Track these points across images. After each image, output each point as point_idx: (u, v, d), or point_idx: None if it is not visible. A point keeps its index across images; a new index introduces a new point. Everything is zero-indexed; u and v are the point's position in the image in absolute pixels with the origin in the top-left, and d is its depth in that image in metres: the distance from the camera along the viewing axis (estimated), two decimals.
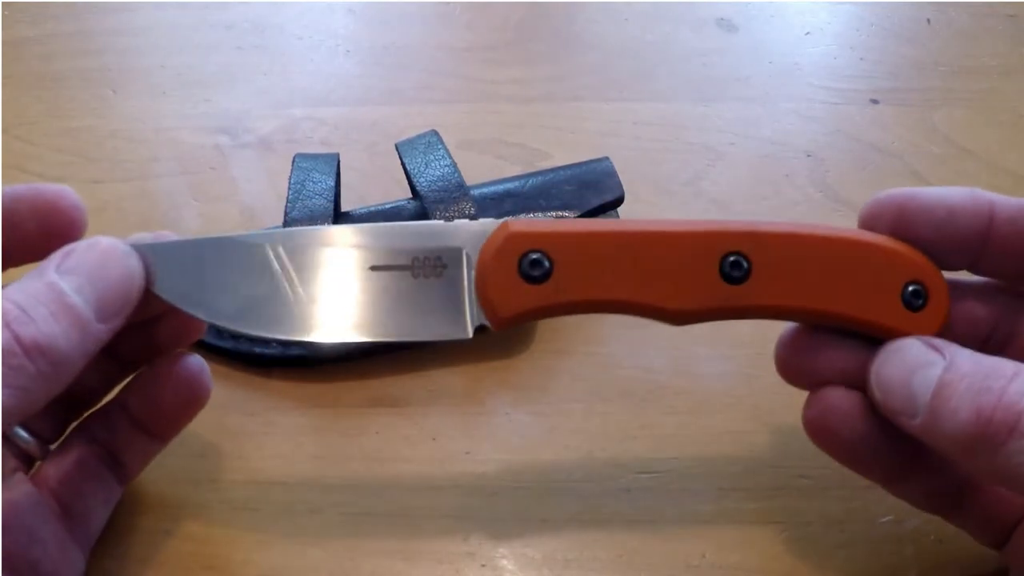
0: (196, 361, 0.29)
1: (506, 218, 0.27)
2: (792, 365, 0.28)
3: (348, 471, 0.33)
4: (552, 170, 0.39)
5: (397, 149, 0.39)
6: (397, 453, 0.34)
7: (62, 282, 0.23)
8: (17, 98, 0.47)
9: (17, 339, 0.21)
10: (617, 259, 0.26)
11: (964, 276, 0.28)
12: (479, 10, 0.54)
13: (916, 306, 0.26)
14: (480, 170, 0.42)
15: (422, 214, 0.37)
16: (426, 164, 0.38)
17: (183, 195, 0.43)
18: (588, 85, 0.49)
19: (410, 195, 0.40)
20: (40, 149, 0.45)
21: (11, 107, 0.47)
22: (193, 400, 0.29)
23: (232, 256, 0.26)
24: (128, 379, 0.30)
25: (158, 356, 0.29)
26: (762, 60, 0.51)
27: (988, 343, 0.28)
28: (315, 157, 0.39)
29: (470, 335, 0.27)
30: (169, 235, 0.28)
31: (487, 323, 0.27)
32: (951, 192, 0.26)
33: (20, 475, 0.28)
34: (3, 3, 0.53)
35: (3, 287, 0.23)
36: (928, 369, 0.24)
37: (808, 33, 0.52)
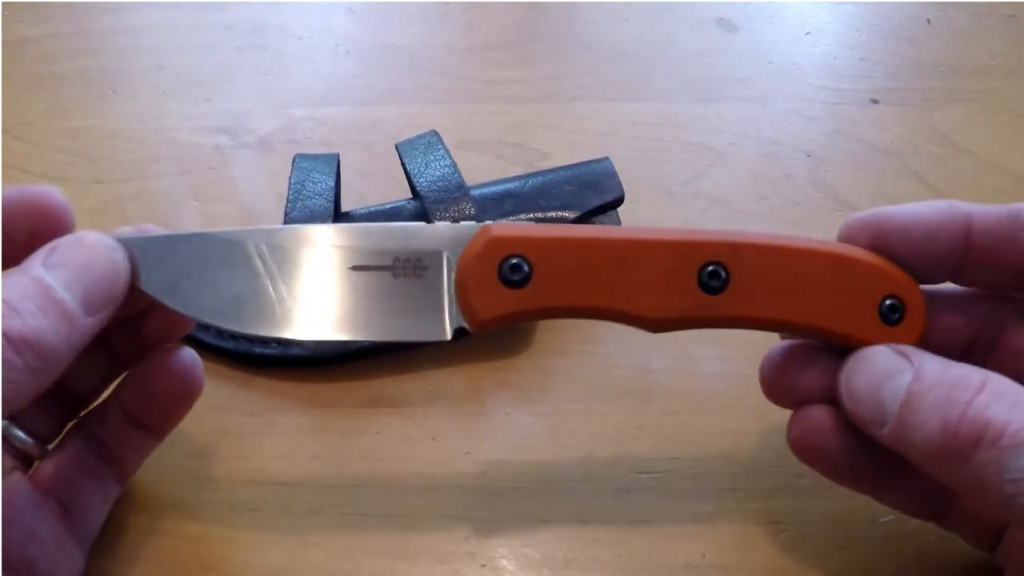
0: (188, 354, 0.29)
1: (487, 222, 0.27)
2: (776, 385, 0.28)
3: (348, 471, 0.33)
4: (552, 170, 0.39)
5: (397, 149, 0.39)
6: (397, 453, 0.34)
7: (48, 276, 0.23)
8: (17, 98, 0.47)
9: (4, 333, 0.22)
10: (597, 266, 0.26)
11: (946, 286, 0.28)
12: (479, 10, 0.54)
13: (893, 320, 0.26)
14: (480, 170, 0.42)
15: (422, 214, 0.37)
16: (426, 164, 0.38)
17: (183, 195, 0.43)
18: (588, 85, 0.49)
19: (410, 195, 0.40)
20: (40, 149, 0.45)
21: (11, 107, 0.47)
22: (186, 393, 0.30)
23: (214, 252, 0.27)
24: (122, 376, 0.30)
25: (150, 351, 0.29)
26: (762, 60, 0.51)
27: (970, 352, 0.28)
28: (315, 157, 0.39)
29: (449, 337, 0.27)
30: (153, 228, 0.28)
31: (466, 325, 0.27)
32: (927, 209, 0.26)
33: (18, 474, 0.27)
34: (3, 3, 0.53)
35: None
36: (896, 378, 0.24)
37: (808, 33, 0.52)
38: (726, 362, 0.36)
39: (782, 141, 0.46)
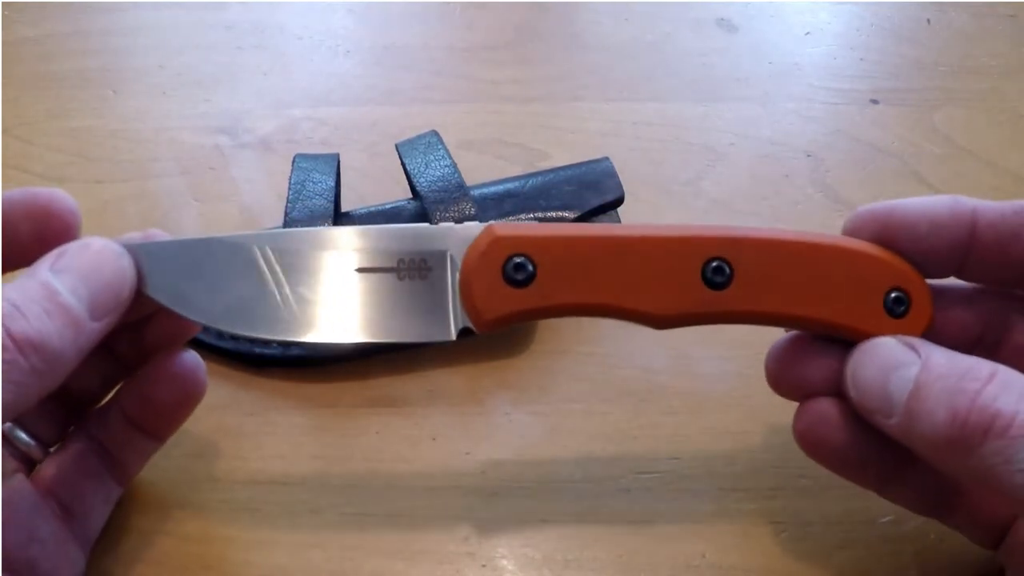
0: (191, 358, 0.29)
1: (491, 222, 0.27)
2: (782, 377, 0.28)
3: (348, 471, 0.33)
4: (552, 170, 0.39)
5: (397, 149, 0.39)
6: (397, 453, 0.34)
7: (56, 281, 0.23)
8: (17, 98, 0.47)
9: (10, 335, 0.22)
10: (600, 263, 0.26)
11: (952, 282, 0.28)
12: (479, 10, 0.54)
13: (898, 313, 0.26)
14: (480, 170, 0.42)
15: (422, 214, 0.37)
16: (426, 164, 0.38)
17: (183, 195, 0.43)
18: (588, 85, 0.49)
19: (410, 195, 0.40)
20: (40, 149, 0.45)
21: (11, 107, 0.47)
22: (188, 397, 0.30)
23: (220, 257, 0.27)
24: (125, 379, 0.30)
25: (153, 355, 0.29)
26: (762, 60, 0.51)
27: (977, 348, 0.28)
28: (315, 157, 0.39)
29: (454, 337, 0.27)
30: (159, 234, 0.28)
31: (471, 325, 0.27)
32: (932, 203, 0.26)
33: (20, 476, 0.28)
34: (3, 3, 0.53)
35: None
36: (904, 369, 0.24)
37: (808, 33, 0.52)
38: (726, 362, 0.36)
39: (782, 141, 0.46)
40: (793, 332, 0.29)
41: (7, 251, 0.25)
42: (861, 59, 0.51)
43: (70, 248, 0.25)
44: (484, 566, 0.31)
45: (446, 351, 0.36)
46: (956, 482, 0.27)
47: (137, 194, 0.43)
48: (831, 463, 0.28)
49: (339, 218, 0.38)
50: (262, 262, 0.27)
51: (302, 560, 0.31)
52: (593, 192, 0.38)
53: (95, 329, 0.24)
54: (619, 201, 0.39)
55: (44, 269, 0.24)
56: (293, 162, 0.39)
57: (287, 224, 0.36)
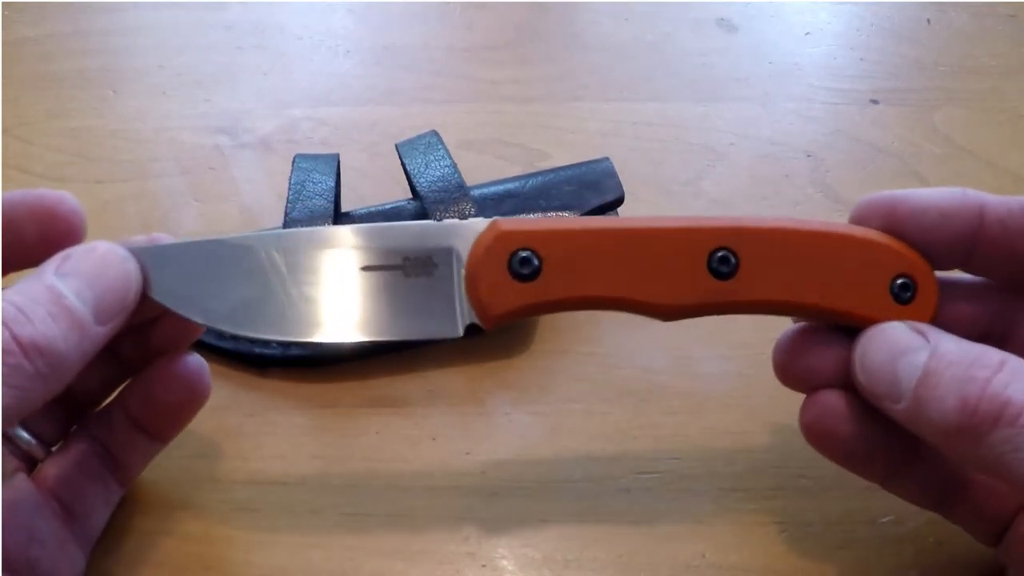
0: (195, 361, 0.29)
1: (495, 217, 0.27)
2: (789, 368, 0.28)
3: (348, 471, 0.33)
4: (552, 170, 0.39)
5: (397, 149, 0.39)
6: (397, 453, 0.34)
7: (61, 284, 0.23)
8: (17, 98, 0.47)
9: (15, 339, 0.22)
10: (606, 256, 0.26)
11: (959, 276, 0.28)
12: (479, 10, 0.54)
13: (905, 299, 0.26)
14: (480, 170, 0.42)
15: (422, 214, 0.37)
16: (426, 164, 0.38)
17: (183, 195, 0.43)
18: (588, 85, 0.49)
19: (410, 195, 0.40)
20: (40, 149, 0.45)
21: (11, 107, 0.47)
22: (192, 400, 0.30)
23: (225, 258, 0.26)
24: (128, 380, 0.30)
25: (158, 357, 0.29)
26: (762, 60, 0.51)
27: (983, 343, 0.28)
28: (315, 157, 0.39)
29: (461, 333, 0.27)
30: (164, 237, 0.28)
31: (478, 321, 0.27)
32: (941, 194, 0.26)
33: (21, 475, 0.28)
34: (3, 3, 0.53)
35: (2, 290, 0.23)
36: (913, 354, 0.24)
37: (808, 33, 0.52)
38: (726, 362, 0.36)
39: (782, 141, 0.46)
40: (800, 324, 0.29)
41: (12, 252, 0.25)
42: (861, 59, 0.51)
43: (75, 252, 0.25)
44: (484, 566, 0.31)
45: (446, 351, 0.36)
46: (960, 476, 0.27)
47: (137, 194, 0.43)
48: (837, 455, 0.28)
49: (339, 218, 0.38)
50: (267, 263, 0.27)
51: (302, 560, 0.31)
52: (593, 192, 0.38)
53: (100, 333, 0.24)
54: (619, 201, 0.39)
55: (49, 273, 0.24)
56: (293, 162, 0.39)
57: (287, 224, 0.36)
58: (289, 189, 0.37)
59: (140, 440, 0.30)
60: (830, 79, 0.49)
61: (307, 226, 0.36)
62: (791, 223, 0.27)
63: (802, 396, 0.28)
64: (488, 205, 0.38)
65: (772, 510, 0.32)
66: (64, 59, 0.50)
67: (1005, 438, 0.22)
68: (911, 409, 0.24)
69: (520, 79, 0.49)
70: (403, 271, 0.27)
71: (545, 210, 0.37)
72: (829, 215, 0.42)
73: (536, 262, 0.26)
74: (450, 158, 0.38)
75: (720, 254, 0.26)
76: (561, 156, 0.44)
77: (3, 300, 0.22)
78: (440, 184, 0.37)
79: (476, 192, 0.38)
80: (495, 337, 0.36)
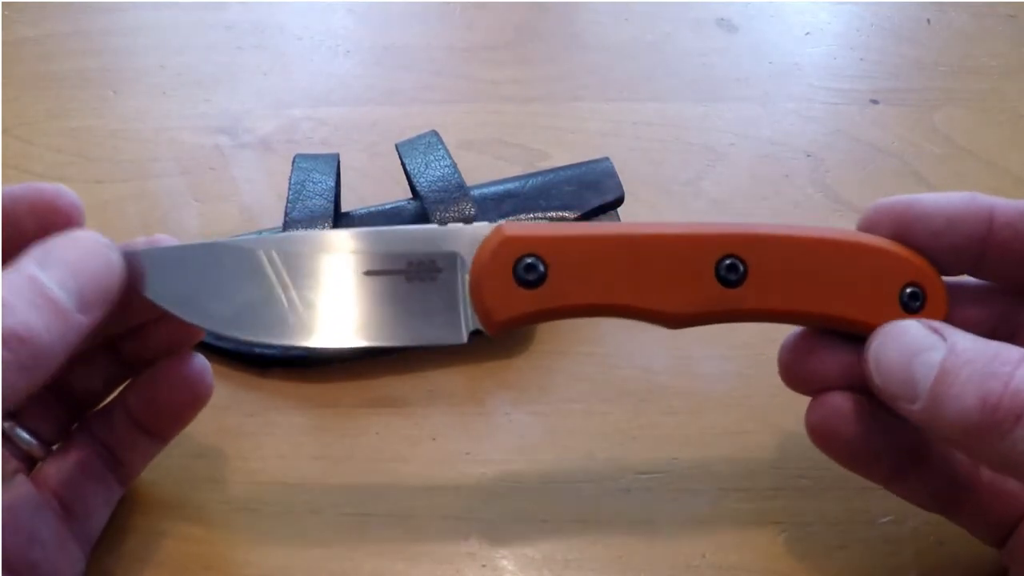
0: (198, 361, 0.29)
1: (500, 222, 0.27)
2: (795, 371, 0.28)
3: (348, 471, 0.33)
4: (552, 170, 0.39)
5: (397, 149, 0.39)
6: (397, 453, 0.34)
7: (42, 275, 0.23)
8: (17, 98, 0.47)
9: None
10: (612, 263, 0.26)
11: (964, 279, 0.28)
12: (479, 10, 0.54)
13: (914, 308, 0.26)
14: (480, 170, 0.42)
15: (422, 214, 0.37)
16: (426, 164, 0.38)
17: (183, 195, 0.43)
18: (588, 85, 0.49)
19: (410, 195, 0.40)
20: (40, 149, 0.45)
21: (11, 107, 0.47)
22: (194, 400, 0.29)
23: (226, 262, 0.26)
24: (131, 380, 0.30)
25: (160, 358, 0.29)
26: (762, 60, 0.51)
27: None
28: (315, 157, 0.39)
29: (465, 339, 0.27)
30: (165, 239, 0.28)
31: (482, 328, 0.27)
32: (950, 199, 0.26)
33: (21, 476, 0.27)
34: (3, 3, 0.53)
35: None
36: (929, 353, 0.23)
37: (808, 33, 0.52)
38: (726, 362, 0.36)
39: (782, 141, 0.46)
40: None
41: (11, 245, 0.25)
42: (861, 59, 0.51)
43: (56, 241, 0.24)
44: (484, 566, 0.31)
45: (446, 351, 0.36)
46: (965, 479, 0.27)
47: (137, 194, 0.43)
48: (842, 457, 0.27)
49: (339, 218, 0.38)
50: (268, 267, 0.26)
51: (302, 560, 0.31)
52: (593, 192, 0.38)
53: (83, 323, 0.23)
54: (619, 201, 0.39)
55: (30, 262, 0.23)
56: (293, 162, 0.38)
57: (287, 224, 0.36)
58: (289, 189, 0.37)
59: (141, 439, 0.30)
60: (830, 79, 0.49)
61: (307, 226, 0.36)
62: (800, 230, 0.27)
63: (803, 397, 0.28)
64: (488, 205, 0.38)
65: (772, 510, 0.32)
66: (64, 59, 0.50)
67: None
68: (928, 408, 0.23)
69: (520, 79, 0.49)
70: (405, 276, 0.27)
71: (545, 210, 0.37)
72: (829, 215, 0.42)
73: (542, 268, 0.26)
74: (450, 158, 0.38)
75: (728, 262, 0.26)
76: (561, 156, 0.44)
77: None
78: (440, 184, 0.37)
79: (476, 192, 0.38)
80: (495, 337, 0.36)
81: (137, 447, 0.30)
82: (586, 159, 0.40)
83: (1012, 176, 0.44)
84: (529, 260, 0.26)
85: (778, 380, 0.28)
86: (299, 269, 0.26)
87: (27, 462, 0.28)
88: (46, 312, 0.22)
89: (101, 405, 0.30)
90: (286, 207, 0.37)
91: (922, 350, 0.24)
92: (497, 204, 0.38)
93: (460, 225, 0.27)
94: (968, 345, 0.23)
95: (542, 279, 0.26)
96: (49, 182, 0.26)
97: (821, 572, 0.31)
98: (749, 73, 0.50)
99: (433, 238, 0.27)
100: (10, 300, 0.22)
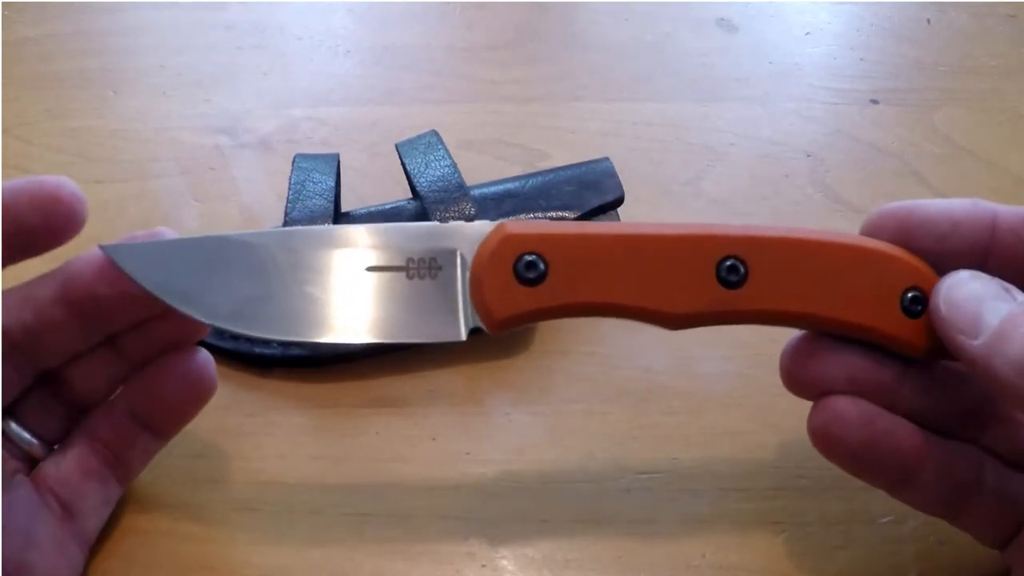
0: (202, 355, 0.29)
1: (501, 220, 0.27)
2: (797, 374, 0.28)
3: (348, 471, 0.33)
4: (552, 170, 0.39)
5: (397, 149, 0.39)
6: (397, 453, 0.34)
7: None
8: (17, 98, 0.47)
9: None
10: (613, 262, 0.26)
11: None
12: (479, 10, 0.54)
13: (915, 312, 0.26)
14: (480, 170, 0.42)
15: (422, 214, 0.37)
16: (426, 164, 0.38)
17: (183, 195, 0.43)
18: (588, 85, 0.49)
19: (410, 195, 0.40)
20: (40, 149, 0.45)
21: (11, 107, 0.47)
22: (199, 395, 0.29)
23: (228, 256, 0.26)
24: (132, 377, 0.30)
25: (162, 355, 0.29)
26: (762, 60, 0.51)
27: None
28: (315, 157, 0.39)
29: (464, 337, 0.27)
30: (167, 232, 0.27)
31: (482, 325, 0.27)
32: (953, 204, 0.26)
33: (20, 478, 0.27)
34: (3, 3, 0.53)
35: (3, 285, 0.23)
36: (999, 301, 0.24)
37: (808, 33, 0.52)
38: (726, 362, 0.36)
39: (782, 141, 0.46)
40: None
41: (15, 240, 0.25)
42: (861, 59, 0.51)
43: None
44: (484, 566, 0.31)
45: (446, 351, 0.36)
46: (969, 482, 0.27)
47: (137, 194, 0.43)
48: (845, 462, 0.27)
49: (339, 218, 0.38)
50: (269, 261, 0.26)
51: (302, 560, 0.31)
52: (593, 192, 0.38)
53: None
54: (619, 201, 0.39)
55: None
56: (293, 162, 0.39)
57: (287, 224, 0.36)
58: (289, 189, 0.37)
59: (142, 437, 0.30)
60: (830, 79, 0.49)
61: (308, 226, 0.36)
62: (801, 232, 0.27)
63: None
64: (488, 205, 0.38)
65: (772, 510, 0.32)
66: (64, 59, 0.50)
67: None
68: (990, 343, 0.23)
69: (520, 79, 0.49)
70: (407, 273, 0.27)
71: (545, 210, 0.37)
72: (829, 215, 0.42)
73: (542, 266, 0.26)
74: (450, 158, 0.38)
75: (729, 263, 0.26)
76: (561, 156, 0.44)
77: None
78: (440, 184, 0.37)
79: (476, 192, 0.38)
80: (495, 337, 0.36)
81: (137, 445, 0.30)
82: (586, 159, 0.40)
83: (1012, 176, 0.44)
84: (530, 258, 0.26)
85: (778, 380, 0.28)
86: (300, 264, 0.26)
87: (27, 462, 0.28)
88: None
89: (102, 404, 0.30)
90: (286, 207, 0.37)
91: (994, 297, 0.24)
92: (497, 204, 0.38)
93: (461, 223, 0.27)
94: None
95: (542, 277, 0.26)
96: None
97: (821, 572, 0.31)
98: (749, 73, 0.50)
99: (434, 235, 0.27)
100: None
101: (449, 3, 0.54)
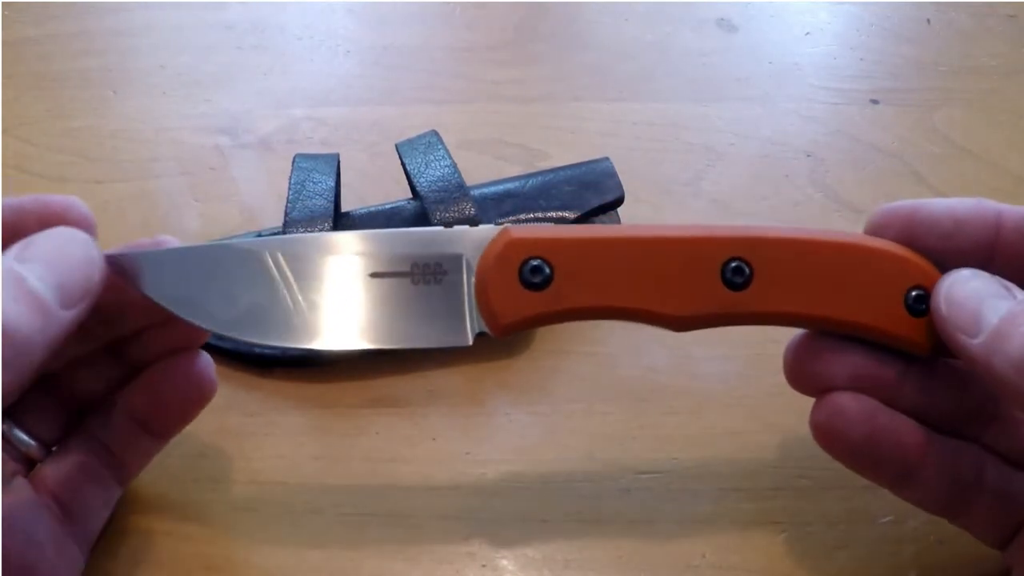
0: (202, 357, 0.29)
1: (506, 224, 0.27)
2: (800, 371, 0.28)
3: (348, 471, 0.33)
4: (552, 170, 0.39)
5: (397, 149, 0.39)
6: (397, 453, 0.34)
7: (22, 269, 0.23)
8: (17, 98, 0.47)
9: None
10: (618, 265, 0.26)
11: None
12: (479, 10, 0.54)
13: (919, 311, 0.26)
14: (480, 170, 0.42)
15: (422, 214, 0.37)
16: (426, 164, 0.38)
17: (183, 195, 0.43)
18: (588, 85, 0.49)
19: (410, 195, 0.40)
20: (40, 149, 0.45)
21: (11, 107, 0.47)
22: (198, 397, 0.29)
23: (231, 264, 0.26)
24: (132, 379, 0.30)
25: (163, 358, 0.29)
26: (762, 60, 0.51)
27: None
28: (315, 157, 0.39)
29: (470, 342, 0.27)
30: (169, 240, 0.27)
31: (487, 330, 0.27)
32: (958, 203, 0.26)
33: (20, 479, 0.27)
34: (3, 3, 0.53)
35: None
36: (999, 299, 0.24)
37: (808, 33, 0.52)
38: (726, 362, 0.36)
39: (782, 141, 0.46)
40: None
41: None
42: (861, 59, 0.51)
43: (36, 238, 0.24)
44: (484, 566, 0.31)
45: (447, 352, 0.36)
46: (970, 481, 0.27)
47: (137, 194, 0.43)
48: (846, 457, 0.27)
49: (339, 218, 0.38)
50: (273, 268, 0.26)
51: (302, 560, 0.31)
52: (593, 192, 0.38)
53: (65, 318, 0.23)
54: (619, 201, 0.39)
55: (10, 259, 0.23)
56: (293, 162, 0.39)
57: (287, 224, 0.36)
58: (289, 189, 0.37)
59: (141, 439, 0.30)
60: (830, 79, 0.49)
61: (307, 226, 0.36)
62: (805, 233, 0.27)
63: (804, 396, 0.28)
64: (488, 205, 0.38)
65: (772, 510, 0.32)
66: (65, 59, 0.50)
67: None
68: (989, 343, 0.23)
69: (520, 79, 0.49)
70: (411, 278, 0.27)
71: (545, 210, 0.37)
72: (829, 215, 0.43)
73: (547, 271, 0.26)
74: (450, 158, 0.38)
75: (734, 264, 0.26)
76: (561, 156, 0.44)
77: None
78: (440, 184, 0.37)
79: (476, 192, 0.38)
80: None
81: (137, 446, 0.30)
82: (586, 159, 0.40)
83: (1012, 176, 0.44)
84: (535, 263, 0.26)
85: (778, 380, 0.28)
86: (304, 271, 0.26)
87: (26, 464, 0.28)
88: (27, 307, 0.22)
89: (101, 405, 0.30)
90: (286, 207, 0.37)
91: (994, 296, 0.24)
92: (497, 204, 0.38)
93: (466, 227, 0.27)
94: None
95: (548, 282, 0.26)
96: (50, 185, 0.26)
97: (821, 572, 0.31)
98: (749, 73, 0.50)
99: (438, 240, 0.27)
100: None
101: (449, 3, 0.54)
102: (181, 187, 0.43)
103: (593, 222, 0.39)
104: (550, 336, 0.37)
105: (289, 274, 0.26)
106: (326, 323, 0.26)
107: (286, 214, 0.37)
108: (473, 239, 0.27)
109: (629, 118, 0.47)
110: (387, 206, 0.39)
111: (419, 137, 0.40)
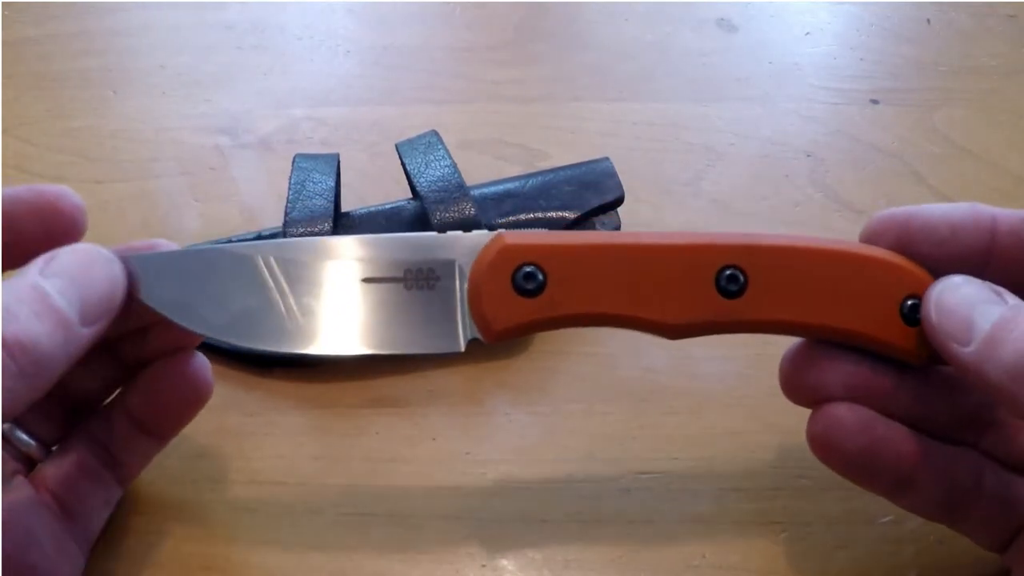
0: (198, 359, 0.29)
1: (500, 230, 0.27)
2: (796, 382, 0.28)
3: (348, 472, 0.33)
4: (552, 170, 0.39)
5: (397, 149, 0.39)
6: (397, 453, 0.34)
7: (46, 284, 0.23)
8: (17, 98, 0.47)
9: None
10: (612, 272, 0.26)
11: None
12: (479, 10, 0.54)
13: (915, 320, 0.26)
14: (480, 170, 0.42)
15: (422, 214, 0.37)
16: (426, 164, 0.38)
17: (183, 195, 0.43)
18: (588, 85, 0.49)
19: (410, 195, 0.40)
20: (40, 149, 0.45)
21: (11, 107, 0.47)
22: (195, 398, 0.29)
23: (224, 267, 0.26)
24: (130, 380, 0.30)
25: (159, 360, 0.29)
26: (762, 60, 0.51)
27: None
28: (315, 157, 0.39)
29: (463, 348, 0.27)
30: (165, 244, 0.28)
31: (480, 336, 0.26)
32: (953, 209, 0.26)
33: (20, 479, 0.27)
34: (3, 3, 0.53)
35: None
36: (990, 305, 0.24)
37: (808, 33, 0.52)
38: (726, 362, 0.36)
39: (782, 141, 0.46)
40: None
41: (14, 248, 0.25)
42: (861, 59, 0.51)
43: (61, 252, 0.24)
44: (484, 566, 0.31)
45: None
46: (968, 487, 0.27)
47: (137, 194, 0.43)
48: (844, 469, 0.27)
49: (339, 218, 0.38)
50: (266, 273, 0.26)
51: (302, 560, 0.31)
52: (593, 192, 0.38)
53: (85, 335, 0.23)
54: (619, 201, 0.39)
55: (34, 272, 0.23)
56: (293, 162, 0.39)
57: (287, 224, 0.36)
58: (289, 189, 0.37)
59: (140, 440, 0.30)
60: (830, 79, 0.49)
61: (307, 226, 0.36)
62: (800, 241, 0.27)
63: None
64: (488, 205, 0.38)
65: (772, 510, 0.32)
66: (64, 59, 0.50)
67: None
68: (981, 351, 0.23)
69: (520, 79, 0.49)
70: (404, 283, 0.26)
71: (545, 210, 0.37)
72: (829, 215, 0.42)
73: (540, 277, 0.26)
74: (450, 158, 0.38)
75: (728, 272, 0.26)
76: (561, 156, 0.44)
77: None
78: (440, 184, 0.37)
79: (476, 192, 0.38)
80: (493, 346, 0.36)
81: (136, 448, 0.30)
82: (586, 159, 0.40)
83: (1012, 176, 0.44)
84: (528, 269, 0.26)
85: (778, 381, 0.28)
86: (297, 275, 0.26)
87: (26, 464, 0.28)
88: (49, 322, 0.22)
89: (100, 406, 0.30)
90: (286, 207, 0.37)
91: (984, 302, 0.24)
92: (497, 204, 0.38)
93: (459, 233, 0.27)
94: None
95: (541, 288, 0.26)
96: (50, 183, 0.26)
97: (821, 572, 0.31)
98: (749, 73, 0.50)
99: (432, 246, 0.27)
100: (13, 308, 0.22)
101: (449, 3, 0.54)
102: (181, 187, 0.43)
103: (593, 222, 0.39)
104: (550, 337, 0.37)
105: (282, 279, 0.26)
106: (319, 328, 0.26)
107: (286, 214, 0.37)
108: (466, 245, 0.27)
109: (629, 118, 0.47)
110: (387, 206, 0.39)
111: (419, 137, 0.40)
